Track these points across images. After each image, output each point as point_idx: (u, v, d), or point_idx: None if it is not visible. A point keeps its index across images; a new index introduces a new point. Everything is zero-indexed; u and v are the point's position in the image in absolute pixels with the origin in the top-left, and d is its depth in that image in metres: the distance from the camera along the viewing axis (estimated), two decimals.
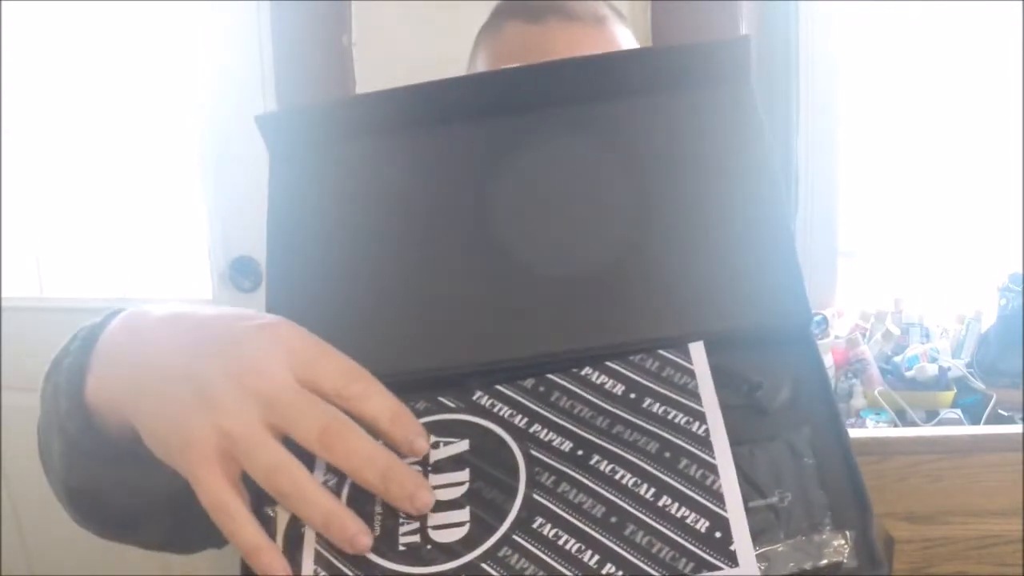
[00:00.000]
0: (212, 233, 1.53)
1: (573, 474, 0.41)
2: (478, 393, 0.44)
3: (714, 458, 0.39)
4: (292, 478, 0.38)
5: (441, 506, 0.41)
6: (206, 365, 0.40)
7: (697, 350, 0.43)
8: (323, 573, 0.39)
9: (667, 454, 0.40)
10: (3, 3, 1.57)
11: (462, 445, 0.43)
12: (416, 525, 0.40)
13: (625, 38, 0.72)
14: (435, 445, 0.42)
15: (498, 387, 0.44)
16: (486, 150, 0.46)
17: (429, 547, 0.40)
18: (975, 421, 1.30)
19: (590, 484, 0.40)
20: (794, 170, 1.49)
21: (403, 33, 1.34)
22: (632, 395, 0.42)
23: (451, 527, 0.40)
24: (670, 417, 0.41)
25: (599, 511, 0.39)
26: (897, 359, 1.40)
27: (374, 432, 0.40)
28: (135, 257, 1.64)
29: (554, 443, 0.42)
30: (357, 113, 0.48)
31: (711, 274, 0.43)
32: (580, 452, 0.41)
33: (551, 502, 0.40)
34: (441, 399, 0.44)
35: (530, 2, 0.72)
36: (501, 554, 0.39)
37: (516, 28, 0.71)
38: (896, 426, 1.29)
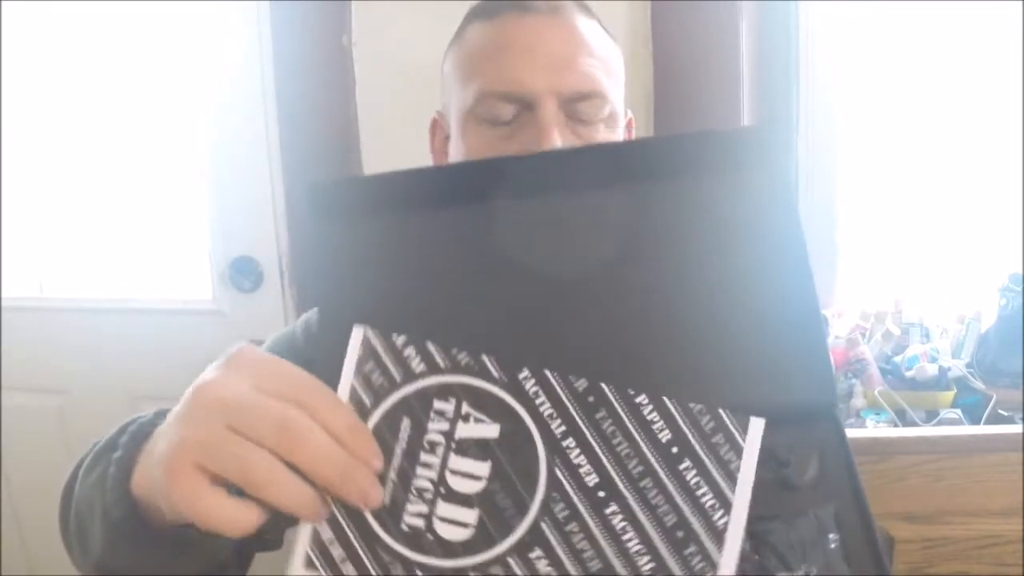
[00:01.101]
0: (212, 233, 1.53)
1: (586, 517, 0.41)
2: (525, 372, 0.43)
3: (720, 554, 0.40)
4: (265, 466, 0.38)
5: (453, 497, 0.41)
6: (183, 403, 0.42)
7: (756, 427, 0.42)
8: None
9: (679, 533, 0.40)
10: (3, 3, 1.57)
11: (491, 430, 0.42)
12: (424, 508, 0.41)
13: (588, 29, 0.70)
14: (466, 417, 0.42)
15: (548, 373, 0.43)
16: (530, 228, 0.47)
17: (430, 537, 0.41)
18: (975, 421, 1.30)
19: (597, 535, 0.40)
20: (794, 169, 1.49)
21: (403, 33, 1.34)
22: (674, 449, 0.42)
23: (456, 525, 0.41)
24: (699, 493, 0.41)
25: (595, 566, 0.40)
26: (897, 359, 1.40)
27: None
28: (135, 257, 1.64)
29: (581, 469, 0.41)
30: (406, 187, 0.50)
31: (742, 352, 0.44)
32: (601, 494, 0.41)
33: (555, 538, 0.40)
34: (485, 360, 0.43)
35: (489, 2, 0.72)
36: (492, 571, 0.40)
37: (475, 29, 0.71)
38: (896, 426, 1.29)
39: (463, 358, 0.43)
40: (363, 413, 0.42)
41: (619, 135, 0.73)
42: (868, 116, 1.51)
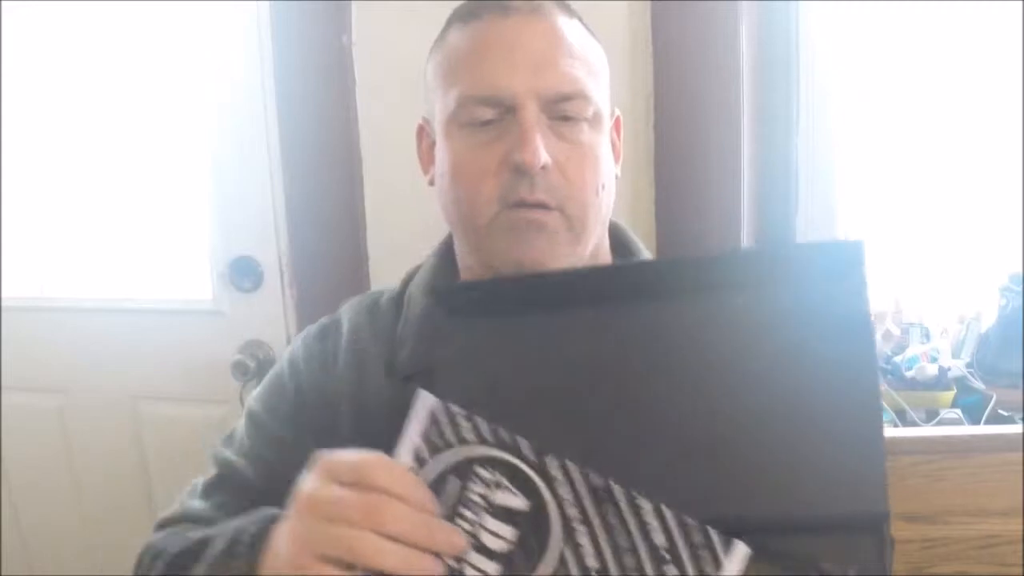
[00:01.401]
0: (212, 233, 1.53)
1: None
2: (552, 459, 0.50)
3: None
4: (369, 541, 0.47)
5: (482, 550, 0.50)
6: None
7: (739, 552, 0.46)
8: None
9: None
10: (3, 3, 1.57)
11: (521, 503, 0.50)
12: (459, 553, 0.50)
13: (569, 28, 0.69)
14: (501, 486, 0.50)
15: (568, 464, 0.49)
16: (626, 332, 0.54)
17: None
18: (975, 421, 1.31)
19: None
20: (794, 169, 1.49)
21: (403, 33, 1.34)
22: (664, 553, 0.48)
23: (481, 573, 0.49)
24: None
25: None
26: (897, 359, 1.40)
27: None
28: (135, 257, 1.64)
29: (583, 550, 0.48)
30: (525, 291, 0.59)
31: (802, 461, 0.48)
32: None
33: None
34: (519, 441, 0.50)
35: (469, 4, 0.72)
36: None
37: (454, 33, 0.71)
38: (896, 426, 1.29)
39: (504, 435, 0.51)
40: (421, 464, 0.51)
41: (605, 134, 0.72)
42: (868, 116, 1.51)
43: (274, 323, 1.50)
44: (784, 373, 0.50)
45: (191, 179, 1.54)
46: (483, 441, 0.51)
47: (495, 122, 0.67)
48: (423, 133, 0.77)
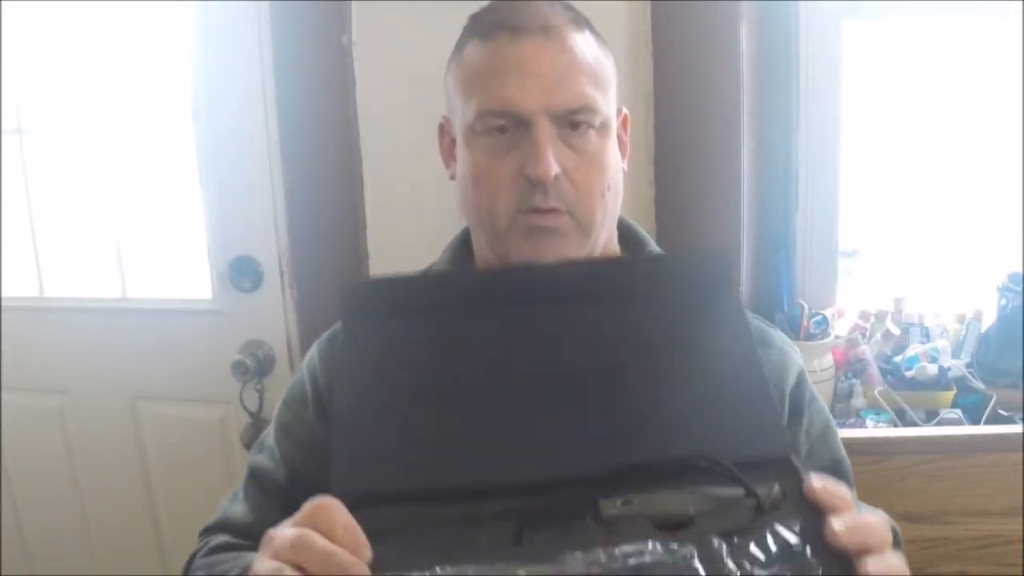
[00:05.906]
0: (211, 233, 1.53)
1: None
2: None
3: None
4: (282, 572, 0.49)
5: None
6: None
7: None
8: None
9: None
10: (3, 2, 1.57)
11: None
12: None
13: (579, 44, 0.74)
14: None
15: None
16: (529, 329, 0.59)
17: None
18: (975, 421, 1.31)
19: None
20: (794, 170, 1.49)
21: (403, 33, 1.34)
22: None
23: None
24: None
25: None
26: (897, 359, 1.40)
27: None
28: (135, 257, 1.64)
29: None
30: (426, 290, 0.63)
31: (719, 426, 0.56)
32: None
33: None
34: None
35: (486, 17, 0.76)
36: None
37: (473, 48, 0.76)
38: (896, 426, 1.29)
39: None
40: None
41: (612, 139, 0.78)
42: (868, 116, 1.51)
43: (274, 323, 1.50)
44: (688, 364, 0.59)
45: (191, 179, 1.54)
46: None
47: (510, 132, 0.73)
48: (444, 131, 0.83)
